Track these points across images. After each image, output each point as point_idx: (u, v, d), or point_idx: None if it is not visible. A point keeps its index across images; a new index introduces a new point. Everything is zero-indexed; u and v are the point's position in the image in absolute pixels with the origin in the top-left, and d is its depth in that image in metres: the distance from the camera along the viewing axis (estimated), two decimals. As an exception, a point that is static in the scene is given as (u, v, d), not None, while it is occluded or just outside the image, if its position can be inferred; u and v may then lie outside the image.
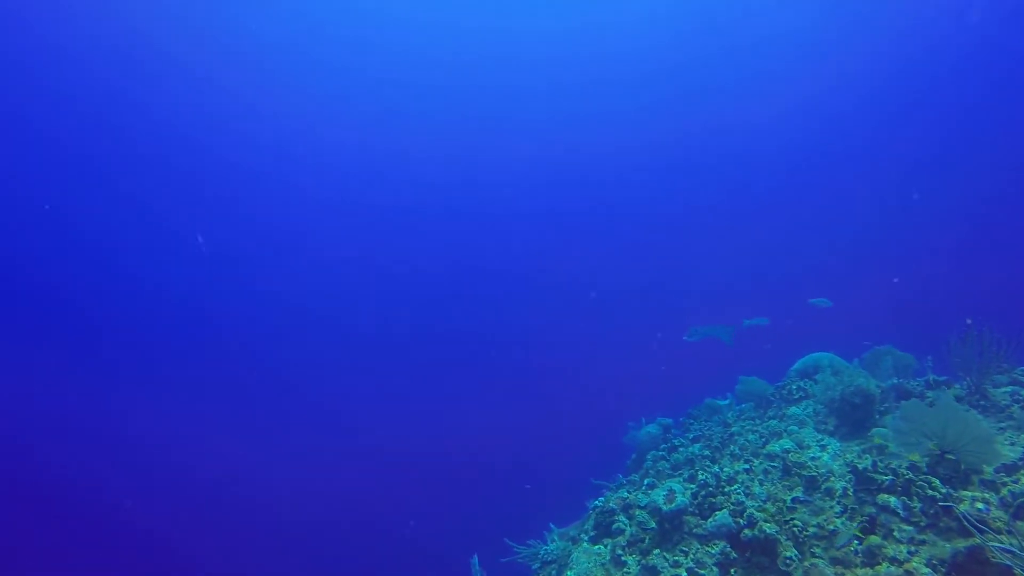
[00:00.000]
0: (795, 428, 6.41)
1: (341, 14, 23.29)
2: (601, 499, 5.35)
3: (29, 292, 24.54)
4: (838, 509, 4.56)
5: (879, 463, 4.61)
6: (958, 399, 5.40)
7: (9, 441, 20.42)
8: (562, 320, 25.58)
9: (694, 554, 4.27)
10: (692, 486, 4.81)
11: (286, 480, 19.49)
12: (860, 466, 4.52)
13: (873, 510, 4.31)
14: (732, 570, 4.04)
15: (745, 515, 4.17)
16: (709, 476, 4.72)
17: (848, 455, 5.33)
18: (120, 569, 16.65)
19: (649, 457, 6.94)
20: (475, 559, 5.12)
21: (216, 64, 23.86)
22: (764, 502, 4.44)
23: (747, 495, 4.55)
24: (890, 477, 4.43)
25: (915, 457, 4.53)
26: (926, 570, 3.71)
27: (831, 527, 4.32)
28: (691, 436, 7.42)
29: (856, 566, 3.98)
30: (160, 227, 26.32)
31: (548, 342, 24.71)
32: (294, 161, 27.31)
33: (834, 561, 4.08)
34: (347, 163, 27.62)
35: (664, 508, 4.40)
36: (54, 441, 21.08)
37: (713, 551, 4.23)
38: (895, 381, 6.59)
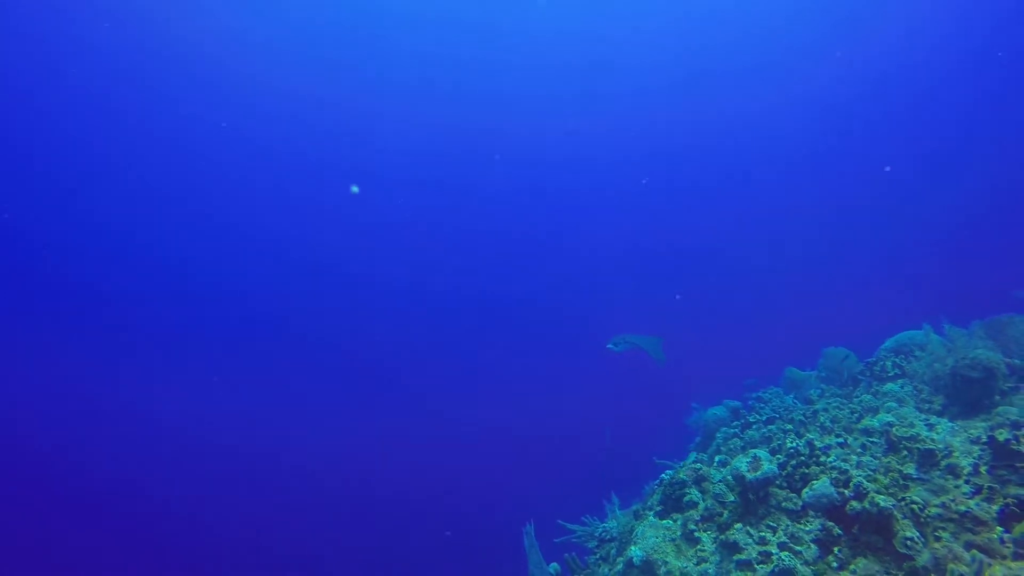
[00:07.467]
0: (894, 404, 5.54)
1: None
2: (670, 471, 4.77)
3: (79, 286, 25.73)
4: (967, 489, 3.77)
5: None
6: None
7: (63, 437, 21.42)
8: (611, 300, 25.09)
9: (785, 529, 3.63)
10: (779, 456, 4.15)
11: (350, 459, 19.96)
12: (1001, 438, 3.70)
13: (1023, 492, 3.51)
14: (836, 549, 3.38)
15: (851, 484, 3.49)
16: (800, 443, 4.04)
17: (971, 431, 4.47)
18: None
19: (719, 435, 6.25)
20: (529, 527, 4.68)
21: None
22: (874, 472, 3.73)
23: (850, 464, 3.84)
24: (1042, 450, 3.60)
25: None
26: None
27: (961, 509, 3.55)
28: (764, 417, 6.64)
29: (1005, 557, 3.21)
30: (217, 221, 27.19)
31: (599, 323, 24.16)
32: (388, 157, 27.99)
33: (971, 548, 3.33)
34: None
35: (748, 476, 3.78)
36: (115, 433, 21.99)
37: (810, 527, 3.57)
38: (1019, 361, 5.54)
